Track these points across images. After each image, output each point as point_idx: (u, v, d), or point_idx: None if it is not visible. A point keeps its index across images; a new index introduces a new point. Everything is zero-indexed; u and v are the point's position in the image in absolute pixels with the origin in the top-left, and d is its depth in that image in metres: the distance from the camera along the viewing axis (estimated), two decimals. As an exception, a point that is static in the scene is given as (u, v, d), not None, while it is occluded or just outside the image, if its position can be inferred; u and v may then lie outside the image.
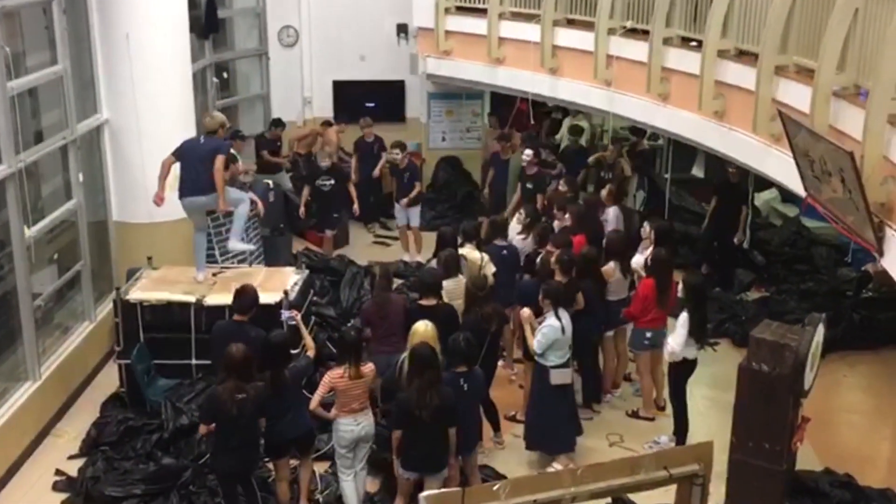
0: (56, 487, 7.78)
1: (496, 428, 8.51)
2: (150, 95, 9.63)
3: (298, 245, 12.60)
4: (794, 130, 6.91)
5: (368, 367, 7.09)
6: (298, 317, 7.82)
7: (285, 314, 8.02)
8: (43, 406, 8.48)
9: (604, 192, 10.85)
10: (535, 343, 7.86)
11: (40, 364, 8.47)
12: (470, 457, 7.39)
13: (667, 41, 9.42)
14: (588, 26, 10.47)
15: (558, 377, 7.82)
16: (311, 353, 7.32)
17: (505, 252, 9.57)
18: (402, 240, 12.73)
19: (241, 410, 6.58)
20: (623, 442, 8.66)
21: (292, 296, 8.61)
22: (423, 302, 8.18)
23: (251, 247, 9.08)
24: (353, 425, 7.08)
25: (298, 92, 14.59)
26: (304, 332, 7.68)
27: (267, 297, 8.47)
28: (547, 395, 7.89)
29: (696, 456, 4.63)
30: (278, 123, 13.52)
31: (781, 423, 7.39)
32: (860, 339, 10.36)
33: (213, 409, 6.71)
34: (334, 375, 6.98)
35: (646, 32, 9.67)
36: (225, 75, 13.91)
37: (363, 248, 13.14)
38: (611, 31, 10.17)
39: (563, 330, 7.74)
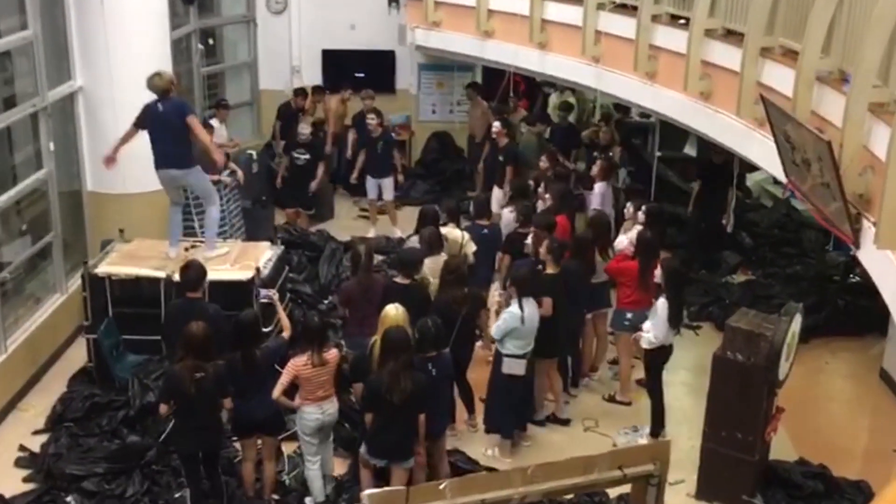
0: (18, 464, 7.67)
1: (470, 410, 8.40)
2: (125, 62, 9.39)
3: (282, 218, 12.43)
4: (775, 115, 6.71)
5: (332, 354, 6.94)
6: (276, 296, 7.63)
7: (263, 293, 7.85)
8: (9, 380, 8.36)
9: (594, 168, 10.66)
10: (493, 328, 7.77)
11: (6, 337, 8.33)
12: (438, 442, 7.26)
13: (655, 18, 9.17)
14: (578, 1, 10.21)
15: (510, 366, 7.70)
16: (286, 333, 7.15)
17: (486, 231, 9.42)
18: (372, 215, 12.51)
19: (200, 389, 6.45)
20: (598, 427, 8.54)
21: (265, 272, 8.46)
22: (399, 280, 8.03)
23: (227, 249, 8.85)
24: (318, 413, 6.94)
25: (287, 60, 14.30)
26: (281, 311, 7.50)
27: (239, 274, 8.35)
28: (500, 381, 7.79)
29: (651, 455, 4.49)
30: (299, 92, 13.19)
31: (755, 414, 7.29)
32: (844, 325, 10.22)
33: (170, 388, 6.59)
34: (298, 363, 6.83)
35: (635, 8, 9.41)
36: (210, 42, 13.65)
37: (347, 221, 12.95)
38: (600, 6, 9.90)
39: (522, 320, 7.57)
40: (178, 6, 12.17)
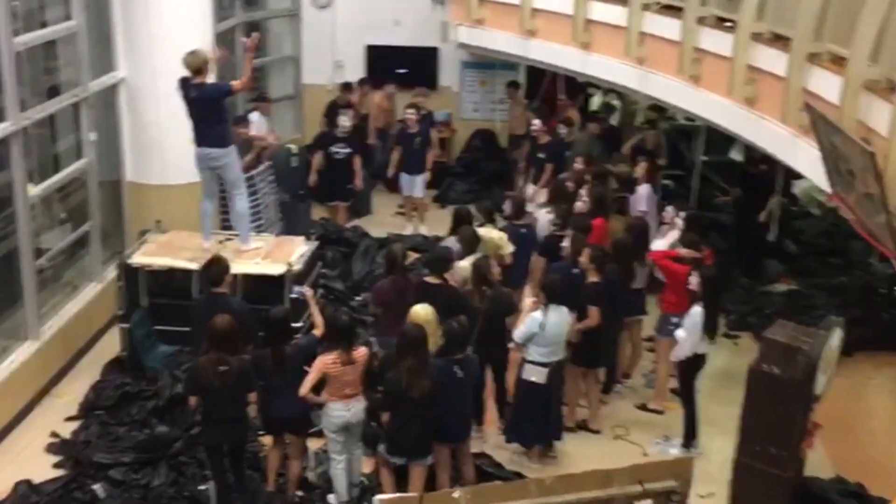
0: (49, 449, 7.74)
1: (502, 414, 8.30)
2: (167, 54, 9.33)
3: (319, 213, 12.42)
4: (820, 123, 6.53)
5: (361, 352, 6.89)
6: (309, 293, 7.60)
7: (297, 289, 7.83)
8: (43, 366, 8.44)
9: (638, 169, 10.49)
10: (516, 332, 7.63)
11: (41, 324, 8.42)
12: (463, 445, 7.19)
13: (701, 20, 8.99)
14: (623, 1, 10.05)
15: (529, 373, 7.55)
16: (317, 331, 7.12)
17: (524, 231, 9.31)
18: (408, 212, 12.46)
19: (224, 383, 6.45)
20: (629, 435, 8.41)
21: (297, 267, 8.44)
22: (429, 279, 7.96)
23: (261, 244, 8.86)
24: (344, 411, 6.90)
25: (330, 55, 14.27)
26: (314, 308, 7.44)
27: (271, 268, 8.35)
28: (521, 388, 7.65)
29: (673, 472, 4.36)
30: (346, 86, 13.14)
31: (790, 428, 7.09)
32: (890, 339, 9.94)
33: (194, 381, 6.60)
34: (326, 360, 6.79)
35: (681, 10, 9.25)
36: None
37: (385, 217, 12.90)
38: (645, 7, 9.74)
39: (542, 326, 7.41)
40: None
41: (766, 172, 10.61)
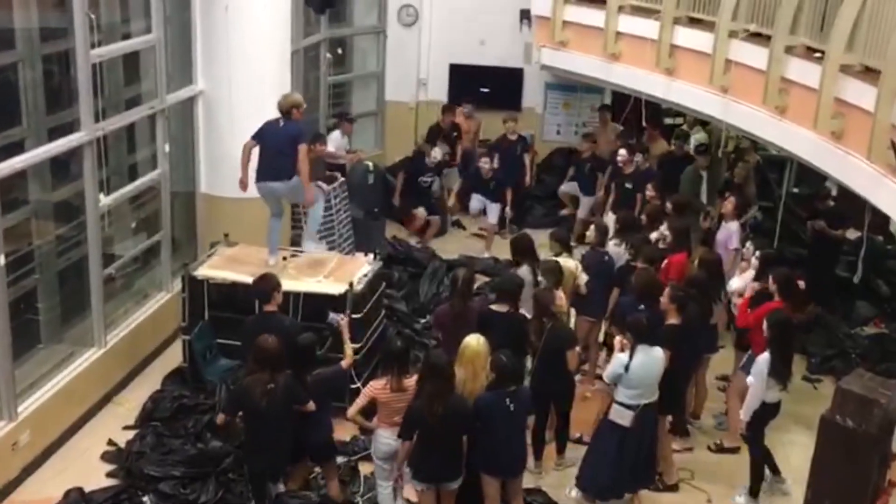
0: (105, 458, 7.80)
1: (560, 450, 8.06)
2: (245, 69, 9.52)
3: (396, 231, 12.39)
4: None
5: (412, 381, 6.74)
6: (344, 322, 7.49)
7: (332, 316, 7.74)
8: (106, 373, 8.53)
9: (726, 204, 10.10)
10: (606, 371, 7.35)
11: (107, 331, 8.51)
12: (514, 480, 6.96)
13: (789, 49, 8.62)
14: (710, 27, 9.73)
15: (616, 414, 7.20)
16: (345, 362, 7.02)
17: (606, 258, 9.07)
18: (489, 238, 12.32)
19: (271, 402, 6.39)
20: (693, 479, 8.05)
21: (358, 287, 8.35)
22: (496, 307, 7.77)
23: (323, 246, 8.85)
24: (392, 439, 6.75)
25: (414, 73, 14.29)
26: (346, 338, 7.33)
27: (332, 287, 8.28)
28: (603, 429, 7.34)
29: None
30: (448, 108, 13.09)
31: (862, 486, 6.66)
32: (984, 393, 9.30)
33: (237, 401, 6.54)
34: (376, 387, 6.70)
35: (769, 38, 8.88)
36: (340, 51, 13.75)
37: (461, 239, 12.77)
38: (732, 34, 9.39)
39: (627, 368, 7.07)
40: (310, 15, 12.32)
41: (833, 209, 10.13)
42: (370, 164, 12.46)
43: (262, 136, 8.39)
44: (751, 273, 8.79)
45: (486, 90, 13.82)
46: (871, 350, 9.95)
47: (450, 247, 12.27)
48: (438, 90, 14.26)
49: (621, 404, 7.20)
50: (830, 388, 9.32)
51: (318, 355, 7.10)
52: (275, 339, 6.47)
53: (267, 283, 7.41)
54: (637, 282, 7.99)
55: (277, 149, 8.31)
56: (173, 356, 9.10)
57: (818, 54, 8.27)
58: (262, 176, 8.45)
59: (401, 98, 14.27)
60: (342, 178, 11.07)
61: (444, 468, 6.61)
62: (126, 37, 8.99)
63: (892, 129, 6.93)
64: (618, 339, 7.43)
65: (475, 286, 8.72)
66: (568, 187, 13.14)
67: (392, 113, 14.32)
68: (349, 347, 7.16)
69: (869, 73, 7.59)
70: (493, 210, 12.22)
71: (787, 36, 8.58)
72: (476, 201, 12.18)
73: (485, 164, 12.10)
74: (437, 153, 12.00)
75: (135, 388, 8.78)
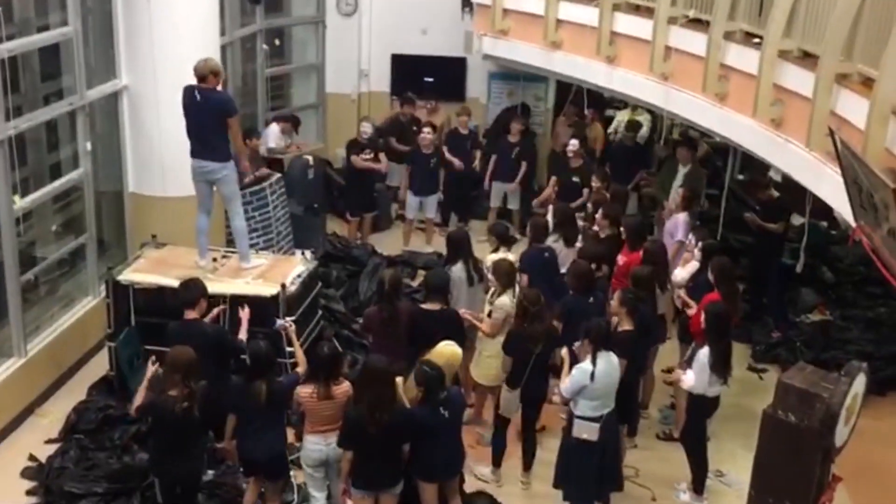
0: (24, 474, 7.43)
1: (527, 466, 7.76)
2: (170, 62, 9.06)
3: (336, 226, 12.07)
4: (843, 151, 5.96)
5: (342, 389, 6.48)
6: (292, 328, 7.20)
7: (278, 322, 7.42)
8: (27, 384, 8.16)
9: (674, 196, 9.92)
10: (562, 386, 6.91)
11: (27, 340, 8.13)
12: (451, 482, 6.74)
13: (728, 35, 8.43)
14: (650, 13, 9.52)
15: (580, 430, 6.81)
16: (299, 369, 6.72)
17: (547, 255, 8.80)
18: (406, 231, 12.05)
19: (186, 415, 6.09)
20: (637, 477, 7.88)
21: (291, 289, 8.05)
22: (428, 306, 7.53)
23: (263, 261, 8.51)
24: (322, 445, 6.52)
25: (355, 64, 13.92)
26: (296, 344, 7.05)
27: (263, 289, 7.98)
28: (571, 445, 6.94)
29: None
30: (408, 100, 12.67)
31: (806, 481, 6.48)
32: (929, 379, 9.27)
33: (151, 408, 6.25)
34: (302, 393, 6.43)
35: (709, 24, 8.69)
36: (277, 42, 13.38)
37: (401, 233, 12.49)
38: (671, 20, 9.20)
39: (592, 376, 6.70)
40: (245, 4, 11.96)
41: (771, 201, 10.03)
42: (310, 158, 12.12)
43: (185, 110, 7.93)
44: (694, 264, 8.66)
45: (429, 80, 13.52)
46: (814, 338, 9.85)
47: (392, 242, 11.99)
48: (381, 81, 13.94)
49: (583, 418, 6.84)
50: (775, 378, 9.31)
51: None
52: (187, 350, 6.16)
53: (190, 290, 7.07)
54: (572, 276, 7.78)
55: (201, 122, 7.86)
56: (100, 364, 8.72)
57: (757, 40, 8.08)
58: (195, 152, 8.02)
59: (342, 90, 13.93)
60: (279, 175, 10.73)
61: (384, 475, 6.39)
62: (43, 30, 8.58)
63: (830, 116, 6.76)
64: (565, 352, 7.12)
65: (415, 284, 8.45)
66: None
67: (333, 105, 13.96)
68: (300, 353, 6.87)
69: (808, 59, 7.42)
70: (432, 202, 11.95)
71: (725, 21, 8.39)
72: (412, 199, 11.86)
73: (427, 134, 11.72)
74: (367, 128, 11.66)
75: (59, 399, 8.41)
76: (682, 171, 11.14)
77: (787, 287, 10.59)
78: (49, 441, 7.78)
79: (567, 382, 6.81)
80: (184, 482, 6.39)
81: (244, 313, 7.17)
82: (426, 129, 11.70)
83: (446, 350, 6.64)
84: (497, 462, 7.73)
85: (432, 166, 11.68)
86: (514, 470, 7.80)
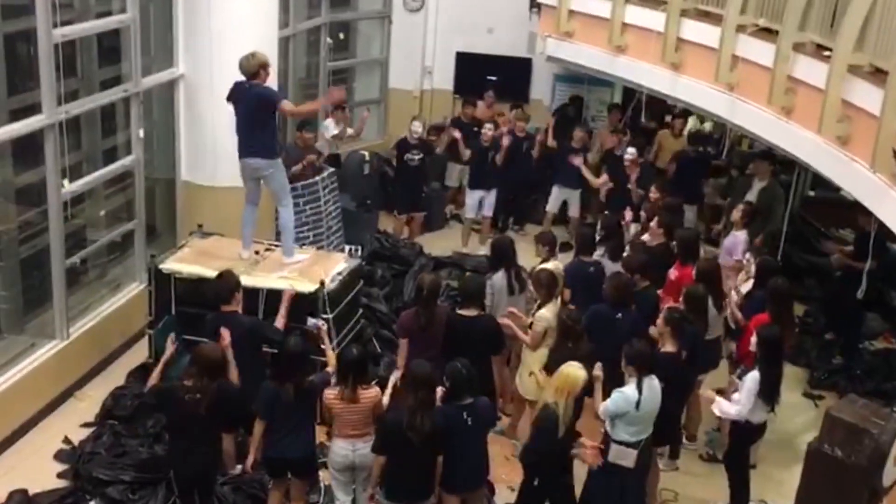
0: (58, 456, 7.47)
1: None
2: (227, 51, 8.95)
3: (389, 224, 11.95)
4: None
5: (370, 393, 6.36)
6: (324, 326, 7.09)
7: (311, 322, 7.31)
8: (68, 367, 8.20)
9: (735, 214, 9.56)
10: (602, 408, 6.58)
11: (70, 323, 8.18)
12: (473, 494, 6.56)
13: (798, 47, 8.07)
14: (718, 20, 9.17)
15: (617, 455, 6.49)
16: (329, 368, 6.62)
17: (592, 269, 8.50)
18: (465, 232, 11.84)
19: (195, 411, 6.05)
20: (675, 502, 7.60)
21: (332, 286, 7.95)
22: (464, 312, 7.35)
23: (305, 256, 8.44)
24: (348, 450, 6.40)
25: (419, 60, 13.86)
26: (327, 343, 6.95)
27: (301, 286, 7.87)
28: (600, 472, 6.61)
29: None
30: (467, 103, 12.48)
31: (851, 521, 6.20)
32: None
33: (164, 404, 6.23)
34: (329, 395, 6.33)
35: (778, 34, 8.34)
36: (342, 36, 13.33)
37: (455, 233, 12.33)
38: (740, 29, 8.85)
39: (638, 405, 6.36)
40: (310, -2, 11.97)
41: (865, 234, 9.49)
42: (366, 153, 12.07)
43: (234, 102, 7.86)
44: (749, 283, 8.35)
45: (493, 79, 13.33)
46: (876, 367, 9.41)
47: (443, 243, 11.84)
48: (444, 79, 13.86)
49: (622, 443, 6.53)
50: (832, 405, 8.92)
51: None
52: (215, 346, 6.10)
53: (225, 283, 7.02)
54: (609, 286, 7.51)
55: (248, 116, 7.78)
56: (142, 351, 8.72)
57: (827, 53, 7.71)
58: (242, 152, 7.96)
59: (405, 86, 13.86)
60: (332, 169, 10.66)
61: (419, 487, 6.22)
62: (102, 15, 8.63)
63: (897, 135, 6.40)
64: (599, 372, 6.75)
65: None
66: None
67: (395, 101, 13.90)
68: (331, 352, 6.78)
69: (879, 75, 7.04)
70: (491, 199, 11.71)
71: (795, 32, 8.03)
72: (471, 196, 11.67)
73: (488, 129, 11.53)
74: (417, 126, 11.52)
75: (99, 384, 8.44)
76: (758, 185, 10.71)
77: (864, 316, 10.06)
78: (85, 425, 7.82)
79: (609, 404, 6.49)
80: (197, 478, 6.33)
81: (286, 295, 7.06)
82: (488, 125, 11.52)
83: (573, 371, 6.26)
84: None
85: (492, 163, 11.46)
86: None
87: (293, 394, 6.24)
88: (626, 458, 6.56)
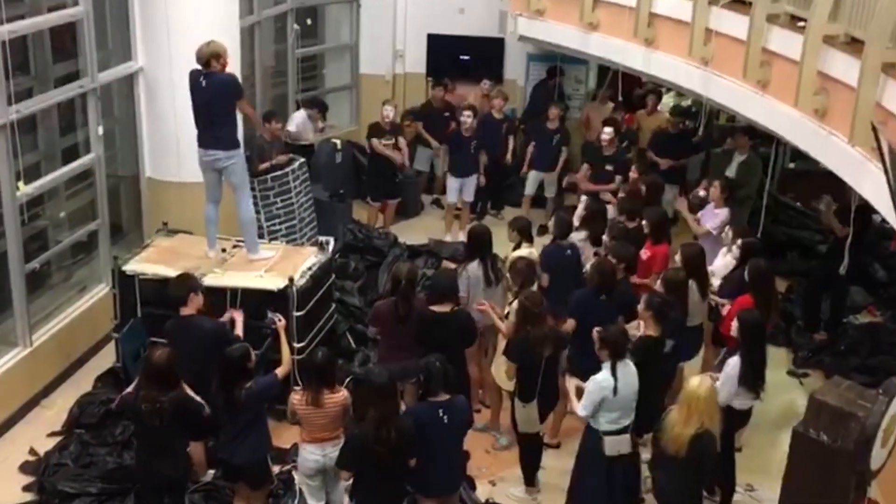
0: (23, 468, 7.24)
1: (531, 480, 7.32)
2: (186, 43, 8.66)
3: (363, 213, 11.71)
4: (885, 148, 5.42)
5: (338, 397, 6.15)
6: (282, 323, 6.84)
7: (269, 316, 7.09)
8: (33, 374, 7.96)
9: (713, 190, 9.35)
10: (580, 407, 6.38)
11: (33, 330, 7.94)
12: (451, 498, 6.37)
13: (772, 18, 7.85)
14: (690, -7, 8.95)
15: (613, 446, 6.34)
16: (280, 370, 6.38)
17: (569, 252, 8.31)
18: (448, 219, 11.63)
19: (160, 422, 5.83)
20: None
21: (301, 282, 7.72)
22: (437, 308, 7.11)
23: (272, 253, 8.20)
24: (319, 455, 6.20)
25: (389, 44, 13.53)
26: (283, 342, 6.69)
27: (270, 283, 7.65)
28: (585, 463, 6.49)
29: None
30: (439, 84, 12.20)
31: (839, 505, 6.04)
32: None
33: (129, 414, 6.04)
34: (294, 399, 6.13)
35: (752, 5, 8.11)
36: (309, 22, 13.02)
37: (433, 221, 12.10)
38: (713, 1, 8.61)
39: (615, 391, 6.23)
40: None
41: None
42: (337, 142, 11.80)
43: (191, 96, 7.62)
44: (730, 260, 8.18)
45: (465, 59, 13.07)
46: (861, 341, 9.25)
47: (420, 230, 11.62)
48: (416, 62, 13.53)
49: (611, 433, 6.36)
50: (818, 384, 8.76)
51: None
52: (167, 352, 5.91)
53: (179, 286, 6.77)
54: (594, 271, 7.32)
55: (206, 109, 7.55)
56: (111, 355, 8.48)
57: (802, 23, 7.49)
58: (201, 142, 7.73)
59: (376, 71, 13.55)
60: (302, 160, 10.40)
61: (391, 496, 6.03)
62: (55, 10, 8.32)
63: (876, 108, 6.18)
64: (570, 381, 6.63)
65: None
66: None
67: (367, 87, 13.58)
68: (286, 352, 6.54)
69: (855, 45, 6.81)
70: (471, 185, 11.49)
71: (769, 3, 7.80)
72: (452, 182, 11.44)
73: (467, 117, 11.30)
74: (388, 111, 11.30)
75: (66, 390, 8.20)
76: (738, 159, 10.59)
77: (848, 290, 9.88)
78: (52, 434, 7.59)
79: (585, 400, 6.32)
80: (162, 488, 6.13)
81: (237, 314, 6.89)
82: (466, 113, 11.28)
83: (700, 387, 5.99)
84: (530, 480, 7.27)
85: (473, 150, 11.25)
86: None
87: (223, 401, 6.06)
88: (620, 446, 6.43)
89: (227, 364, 6.03)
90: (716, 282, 8.13)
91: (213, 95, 7.51)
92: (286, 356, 6.47)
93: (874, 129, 5.56)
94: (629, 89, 12.78)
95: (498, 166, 11.97)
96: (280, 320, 6.84)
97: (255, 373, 6.14)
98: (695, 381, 6.07)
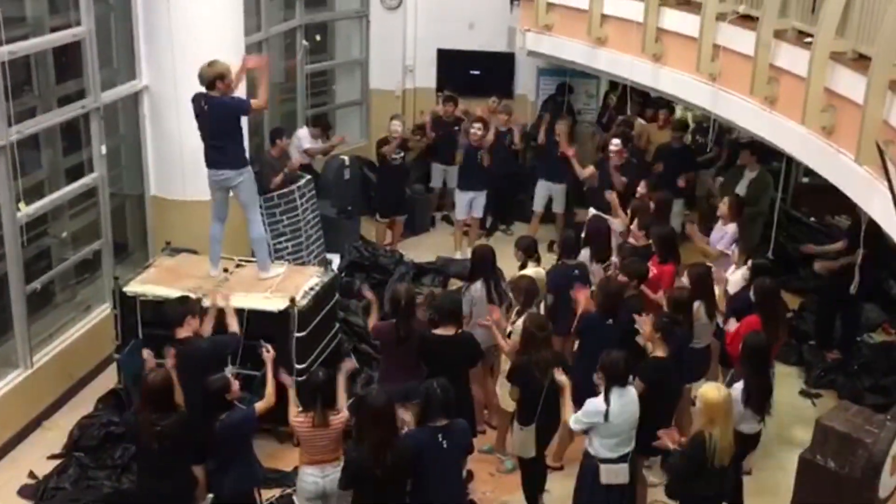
0: (22, 492, 7.19)
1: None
2: (190, 62, 8.65)
3: (372, 230, 11.63)
4: (892, 168, 5.29)
5: (340, 417, 6.08)
6: (270, 355, 6.62)
7: (263, 344, 6.97)
8: (34, 396, 7.92)
9: (723, 206, 9.22)
10: (572, 420, 6.31)
11: (34, 351, 7.90)
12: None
13: (779, 34, 7.72)
14: (698, 8, 8.82)
15: (608, 476, 6.21)
16: (261, 404, 6.27)
17: (576, 272, 8.20)
18: (457, 236, 11.53)
19: (161, 444, 5.78)
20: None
21: (303, 302, 7.65)
22: (441, 332, 6.98)
23: (282, 270, 8.15)
24: (318, 477, 6.13)
25: (399, 59, 13.46)
26: (269, 375, 6.48)
27: (271, 304, 7.59)
28: (592, 493, 6.31)
29: None
30: (449, 99, 12.01)
31: (846, 535, 5.89)
32: None
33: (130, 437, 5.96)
34: (296, 419, 6.05)
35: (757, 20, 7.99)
36: (318, 38, 13.00)
37: (444, 237, 12.01)
38: (720, 17, 8.50)
39: (606, 416, 6.11)
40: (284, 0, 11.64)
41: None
42: (346, 158, 11.75)
43: (196, 119, 7.62)
44: (738, 278, 8.05)
45: (475, 72, 12.98)
46: (875, 361, 9.06)
47: (428, 247, 11.53)
48: (426, 77, 13.45)
49: (607, 461, 6.24)
50: (831, 405, 8.59)
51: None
52: (164, 374, 5.86)
53: (175, 308, 6.72)
54: (600, 293, 7.20)
55: (213, 130, 7.54)
56: (112, 376, 8.42)
57: (809, 39, 7.36)
58: (210, 162, 7.73)
59: (386, 86, 13.46)
60: (309, 177, 10.37)
61: None
62: (58, 30, 8.32)
63: (883, 126, 6.05)
64: (561, 376, 6.50)
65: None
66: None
67: (377, 102, 13.51)
68: (271, 385, 6.38)
69: (863, 62, 6.68)
70: (481, 201, 11.38)
71: (776, 18, 7.68)
72: (461, 197, 11.33)
73: (477, 129, 11.20)
74: (396, 126, 11.23)
75: (67, 412, 8.14)
76: (749, 175, 10.45)
77: (862, 308, 9.69)
78: (52, 456, 7.54)
79: (579, 414, 6.24)
80: None
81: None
82: (476, 126, 11.18)
83: (712, 392, 5.96)
84: None
85: (482, 163, 11.16)
86: None
87: (206, 430, 6.00)
88: (616, 476, 6.29)
89: (205, 394, 5.96)
90: (731, 289, 8.01)
91: (216, 120, 7.52)
92: (269, 390, 6.35)
93: (879, 147, 5.42)
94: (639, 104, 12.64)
95: (508, 180, 11.88)
96: (269, 351, 6.65)
97: (242, 400, 6.07)
98: (710, 391, 5.96)
